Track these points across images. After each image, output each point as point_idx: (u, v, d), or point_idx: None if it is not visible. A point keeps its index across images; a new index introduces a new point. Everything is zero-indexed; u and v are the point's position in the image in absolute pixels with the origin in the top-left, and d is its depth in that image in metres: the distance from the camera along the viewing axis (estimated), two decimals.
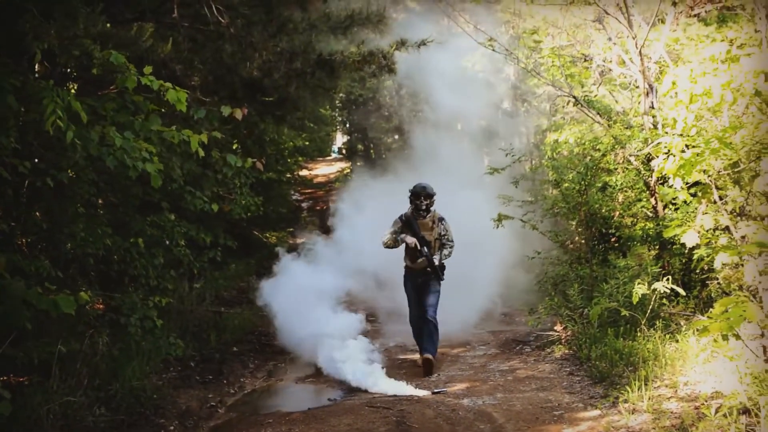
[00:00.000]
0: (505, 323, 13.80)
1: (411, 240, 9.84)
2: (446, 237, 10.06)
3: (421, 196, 9.92)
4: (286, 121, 9.66)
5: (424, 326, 9.97)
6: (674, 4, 11.59)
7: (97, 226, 8.35)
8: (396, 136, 28.46)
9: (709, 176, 7.15)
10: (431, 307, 9.97)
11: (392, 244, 10.00)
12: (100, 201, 9.00)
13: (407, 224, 9.96)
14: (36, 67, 7.79)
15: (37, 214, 8.03)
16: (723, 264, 6.71)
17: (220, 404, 8.76)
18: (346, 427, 7.49)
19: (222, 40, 8.32)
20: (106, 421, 7.31)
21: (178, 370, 9.61)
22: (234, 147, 9.57)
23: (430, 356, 9.84)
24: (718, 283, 9.23)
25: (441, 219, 10.09)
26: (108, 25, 7.22)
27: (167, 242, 10.11)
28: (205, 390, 9.15)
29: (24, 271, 6.77)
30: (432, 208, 10.03)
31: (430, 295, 9.99)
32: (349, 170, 34.61)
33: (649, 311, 8.95)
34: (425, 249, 9.83)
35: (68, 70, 7.90)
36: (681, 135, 7.09)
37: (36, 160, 7.34)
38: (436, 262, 9.87)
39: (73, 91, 7.09)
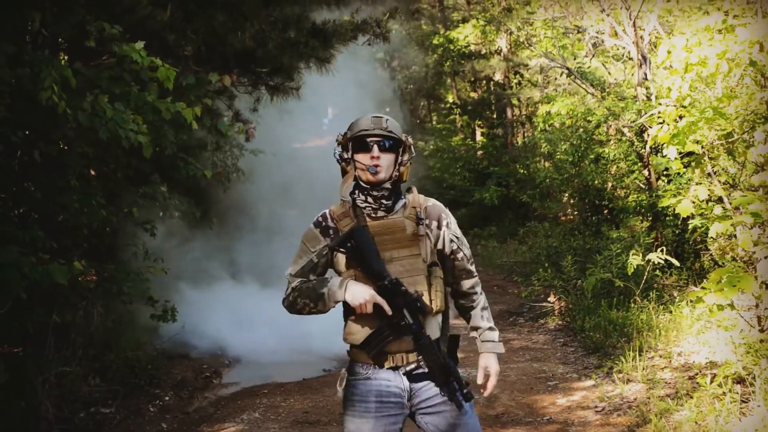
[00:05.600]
0: (498, 294, 13.84)
1: (361, 297, 3.18)
2: (461, 256, 3.49)
3: (370, 144, 3.26)
4: (280, 91, 9.54)
5: None
6: None
7: (92, 198, 8.30)
8: (387, 109, 28.44)
9: (702, 147, 7.15)
10: None
11: (303, 305, 3.32)
12: (92, 172, 8.91)
13: (343, 243, 3.26)
14: (27, 38, 7.72)
15: (30, 184, 7.98)
16: (717, 234, 6.72)
17: (215, 375, 8.77)
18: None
19: (214, 9, 8.23)
20: (101, 392, 7.33)
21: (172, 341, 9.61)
22: (224, 119, 9.44)
23: None
24: (711, 255, 9.28)
25: (437, 213, 3.43)
26: None
27: (161, 214, 10.05)
28: (199, 361, 9.16)
29: (18, 241, 6.73)
30: (411, 188, 3.47)
31: None
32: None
33: (642, 282, 9.00)
34: (407, 316, 3.21)
35: (60, 39, 7.81)
36: (675, 105, 7.08)
37: (27, 132, 7.27)
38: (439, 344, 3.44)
39: (64, 62, 6.99)
